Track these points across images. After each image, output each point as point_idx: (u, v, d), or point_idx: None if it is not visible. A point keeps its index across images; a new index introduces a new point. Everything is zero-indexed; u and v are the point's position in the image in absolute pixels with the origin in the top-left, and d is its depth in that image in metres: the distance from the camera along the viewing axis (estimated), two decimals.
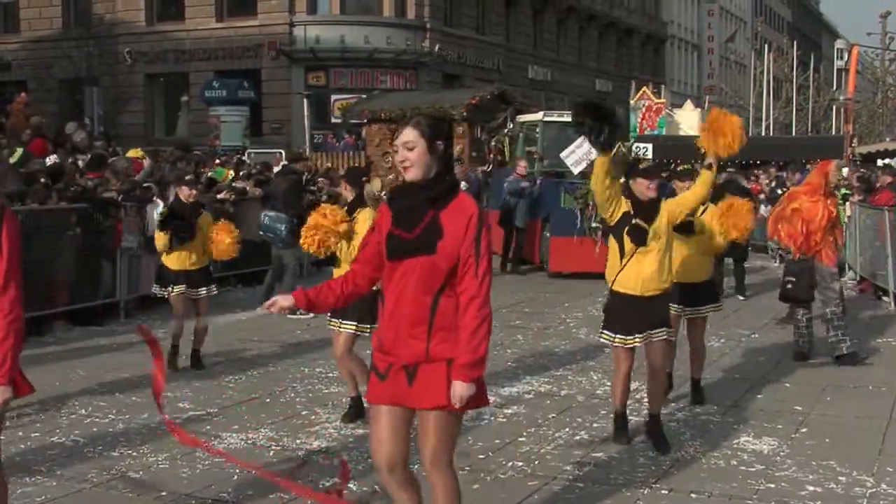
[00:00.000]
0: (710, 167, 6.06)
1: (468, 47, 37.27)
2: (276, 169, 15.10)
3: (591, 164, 12.82)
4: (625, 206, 5.73)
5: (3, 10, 38.15)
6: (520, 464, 5.63)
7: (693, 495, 5.12)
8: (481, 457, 5.76)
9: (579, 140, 12.91)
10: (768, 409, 6.92)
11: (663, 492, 5.17)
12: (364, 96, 25.28)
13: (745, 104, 46.48)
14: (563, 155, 13.75)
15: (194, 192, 8.47)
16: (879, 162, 22.26)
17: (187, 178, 8.70)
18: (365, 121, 21.02)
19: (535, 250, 15.48)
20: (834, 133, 37.15)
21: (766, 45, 42.10)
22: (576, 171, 13.61)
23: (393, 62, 33.98)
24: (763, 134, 35.86)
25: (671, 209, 5.86)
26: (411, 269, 3.53)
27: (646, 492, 5.15)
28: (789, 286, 8.77)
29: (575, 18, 46.35)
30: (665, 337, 5.81)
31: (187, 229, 8.20)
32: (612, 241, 5.86)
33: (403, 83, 33.74)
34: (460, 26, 37.17)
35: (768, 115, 37.00)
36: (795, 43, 49.73)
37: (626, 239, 5.69)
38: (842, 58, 68.90)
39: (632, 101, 15.72)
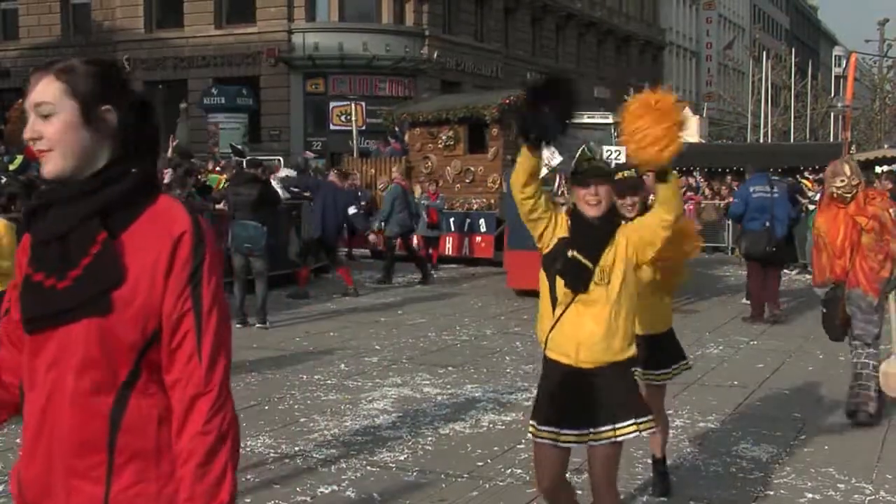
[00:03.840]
0: (664, 179, 3.80)
1: (467, 54, 37.36)
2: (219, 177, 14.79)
3: (550, 170, 12.49)
4: (562, 228, 3.82)
5: (2, 18, 38.23)
6: (518, 471, 5.62)
7: (692, 502, 5.11)
8: (480, 464, 5.75)
9: None
10: (767, 416, 6.91)
11: (662, 498, 5.16)
12: (363, 103, 25.30)
13: (744, 111, 46.59)
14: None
15: None
16: (878, 169, 22.26)
17: None
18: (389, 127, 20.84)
19: None
20: (832, 140, 37.25)
21: (765, 53, 42.21)
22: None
23: (392, 69, 34.08)
24: (761, 141, 35.95)
25: (633, 240, 3.80)
26: (69, 346, 1.90)
27: (645, 498, 5.15)
28: (823, 311, 6.89)
29: (574, 25, 46.48)
30: (610, 441, 3.76)
31: None
32: (543, 279, 3.88)
33: (402, 90, 33.82)
34: (459, 33, 37.27)
35: (766, 123, 37.07)
36: (793, 50, 49.93)
37: (560, 279, 3.78)
38: (840, 65, 69.12)
39: None
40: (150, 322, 1.92)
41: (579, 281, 3.73)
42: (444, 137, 18.71)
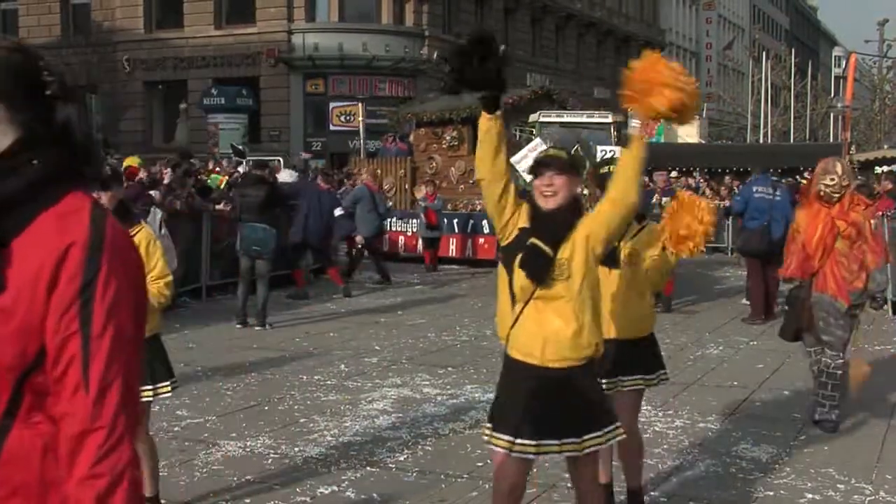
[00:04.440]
0: (635, 138, 3.72)
1: None
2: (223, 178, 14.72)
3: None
4: (524, 219, 3.68)
5: (2, 18, 38.26)
6: None
7: (692, 502, 5.11)
8: (479, 464, 5.75)
9: (535, 142, 12.57)
10: (767, 417, 6.92)
11: (662, 499, 5.16)
12: (361, 102, 25.29)
13: (744, 111, 46.64)
14: (514, 160, 12.56)
15: None
16: (878, 169, 22.28)
17: None
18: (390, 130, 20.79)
19: None
20: (832, 140, 37.28)
21: (764, 53, 42.25)
22: (528, 178, 12.36)
23: (391, 69, 34.09)
24: (761, 141, 35.99)
25: (589, 227, 3.63)
26: None
27: (645, 499, 5.14)
28: (785, 308, 6.86)
29: (573, 26, 46.51)
30: (590, 450, 3.65)
31: None
32: (502, 273, 3.72)
33: (402, 90, 33.82)
34: (459, 33, 37.26)
35: (766, 123, 37.09)
36: (793, 50, 50.00)
37: (519, 273, 3.61)
38: (839, 65, 69.15)
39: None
40: (32, 342, 1.63)
41: (539, 269, 3.54)
42: (448, 138, 18.72)
